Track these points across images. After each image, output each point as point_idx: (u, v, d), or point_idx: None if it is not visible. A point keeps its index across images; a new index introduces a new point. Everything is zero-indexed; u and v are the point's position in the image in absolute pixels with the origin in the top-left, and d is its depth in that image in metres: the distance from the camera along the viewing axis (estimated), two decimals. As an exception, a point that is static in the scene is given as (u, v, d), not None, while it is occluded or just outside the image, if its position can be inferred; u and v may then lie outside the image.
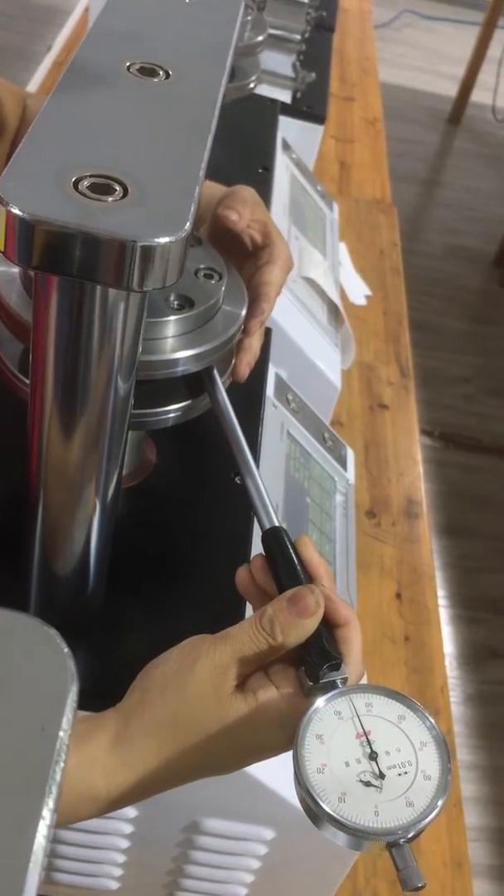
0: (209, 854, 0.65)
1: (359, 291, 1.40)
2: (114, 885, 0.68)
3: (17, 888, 0.19)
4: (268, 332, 0.81)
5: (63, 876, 0.67)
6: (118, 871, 0.67)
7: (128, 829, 0.63)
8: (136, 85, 0.48)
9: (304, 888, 0.69)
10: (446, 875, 0.79)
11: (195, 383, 0.59)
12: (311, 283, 0.99)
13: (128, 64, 0.49)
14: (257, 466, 0.54)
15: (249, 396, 0.75)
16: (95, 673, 0.55)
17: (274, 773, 0.57)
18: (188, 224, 0.38)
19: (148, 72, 0.49)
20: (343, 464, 0.86)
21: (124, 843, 0.64)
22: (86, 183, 0.38)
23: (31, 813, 0.20)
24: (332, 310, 1.02)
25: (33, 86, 1.66)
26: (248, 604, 0.53)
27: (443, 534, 2.05)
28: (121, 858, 0.66)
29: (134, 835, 0.63)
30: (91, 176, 0.39)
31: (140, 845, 0.64)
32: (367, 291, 1.41)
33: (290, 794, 0.59)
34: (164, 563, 0.63)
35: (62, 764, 0.21)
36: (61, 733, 0.21)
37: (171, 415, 0.58)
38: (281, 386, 0.83)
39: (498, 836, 1.54)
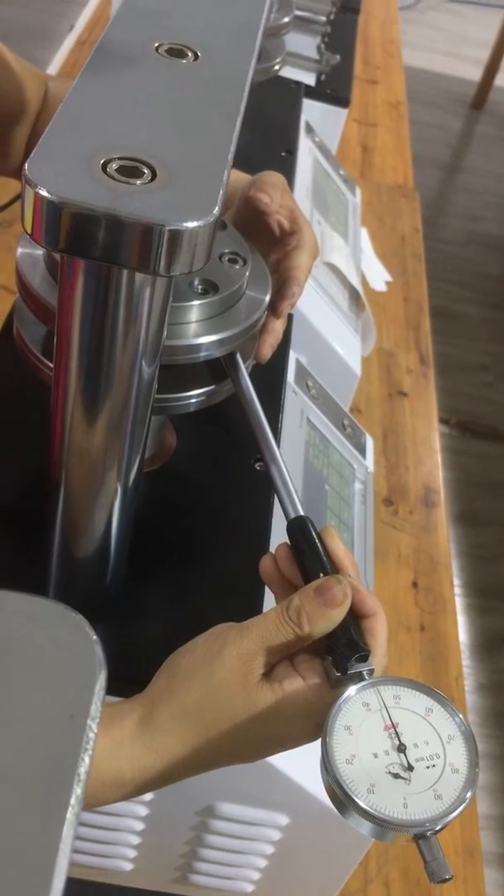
0: (223, 838, 0.65)
1: (379, 277, 1.39)
2: (127, 866, 0.69)
3: (47, 877, 0.19)
4: (289, 318, 0.80)
5: (77, 856, 0.68)
6: (132, 853, 0.67)
7: (143, 811, 0.63)
8: (165, 66, 0.47)
9: (317, 874, 0.69)
10: (458, 864, 0.80)
11: (218, 368, 0.58)
12: (332, 268, 0.98)
13: (156, 45, 0.48)
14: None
15: (270, 383, 0.74)
16: (115, 655, 0.55)
17: (289, 759, 0.57)
18: (217, 209, 0.38)
19: (176, 53, 0.48)
20: (362, 451, 0.86)
21: (139, 826, 0.64)
22: (114, 165, 0.38)
23: (60, 801, 0.20)
24: (353, 296, 1.01)
25: (55, 65, 1.65)
26: (266, 589, 0.53)
27: (457, 522, 2.04)
28: (135, 840, 0.66)
29: (149, 817, 0.64)
30: (119, 158, 0.38)
31: (154, 828, 0.65)
32: (388, 277, 1.40)
33: (306, 780, 0.59)
34: (184, 548, 0.63)
35: (90, 752, 0.21)
36: (90, 721, 0.21)
37: (194, 400, 0.58)
38: (301, 372, 0.82)
39: (508, 825, 1.54)
